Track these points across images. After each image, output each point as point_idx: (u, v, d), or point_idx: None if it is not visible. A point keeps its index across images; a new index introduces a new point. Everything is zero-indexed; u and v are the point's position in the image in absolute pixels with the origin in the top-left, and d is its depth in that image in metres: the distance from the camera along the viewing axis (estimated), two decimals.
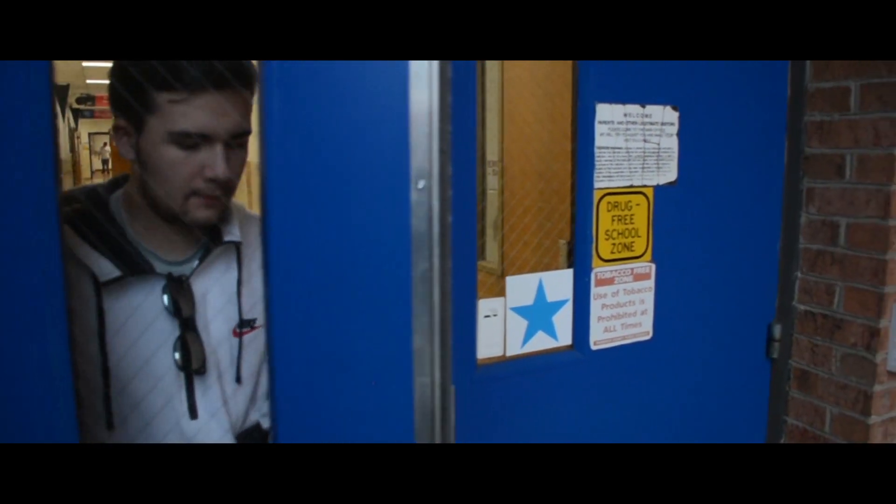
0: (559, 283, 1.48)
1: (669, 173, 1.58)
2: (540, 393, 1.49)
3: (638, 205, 1.54)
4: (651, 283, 1.59)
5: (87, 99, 18.36)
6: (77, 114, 21.65)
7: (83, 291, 1.10)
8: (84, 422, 0.92)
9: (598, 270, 1.51)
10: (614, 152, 1.49)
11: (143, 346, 1.15)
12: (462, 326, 1.36)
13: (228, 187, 1.15)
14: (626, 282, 1.54)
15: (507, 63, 2.88)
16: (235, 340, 1.25)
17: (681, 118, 1.58)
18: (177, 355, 1.17)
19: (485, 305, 1.40)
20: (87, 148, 31.02)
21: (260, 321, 1.27)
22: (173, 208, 1.13)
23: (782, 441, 1.93)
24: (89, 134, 31.38)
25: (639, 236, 1.55)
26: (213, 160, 1.10)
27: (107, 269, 1.11)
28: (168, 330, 1.18)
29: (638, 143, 1.52)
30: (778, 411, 1.91)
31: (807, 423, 1.87)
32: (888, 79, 1.63)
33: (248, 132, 1.15)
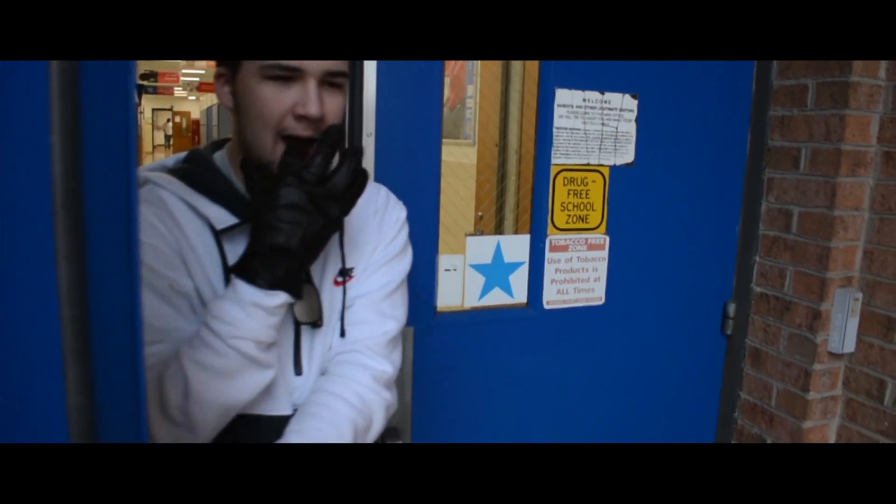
0: (516, 246, 1.69)
1: (626, 155, 1.77)
2: (494, 341, 1.70)
3: (594, 182, 1.73)
4: (605, 253, 1.78)
5: (151, 75, 19.00)
6: (141, 89, 22.41)
7: (206, 241, 1.09)
8: None
9: (553, 238, 1.71)
10: (572, 133, 1.69)
11: None
12: (423, 277, 1.58)
13: (320, 130, 1.06)
14: (580, 250, 1.74)
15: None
16: (338, 290, 1.17)
17: (640, 106, 1.76)
18: (294, 308, 1.11)
19: (445, 260, 1.62)
20: (150, 123, 31.92)
21: (357, 270, 1.19)
22: (264, 156, 1.06)
23: (735, 414, 2.10)
24: (153, 110, 32.29)
25: (594, 210, 1.74)
26: (305, 96, 1.03)
27: (223, 217, 1.08)
28: None
29: (596, 126, 1.71)
30: (732, 385, 2.09)
31: (757, 398, 2.04)
32: (839, 78, 1.79)
33: (344, 73, 1.08)
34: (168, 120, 33.70)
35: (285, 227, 0.98)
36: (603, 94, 1.71)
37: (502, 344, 1.72)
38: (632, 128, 1.76)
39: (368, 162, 1.50)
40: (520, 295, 1.71)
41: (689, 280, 1.94)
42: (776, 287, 1.98)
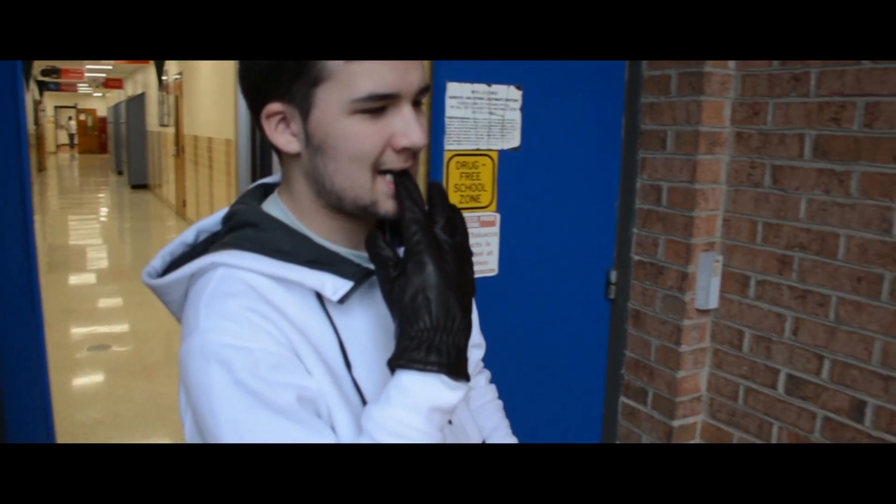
0: None
1: (513, 140, 2.00)
2: None
3: (484, 165, 1.96)
4: (496, 229, 2.01)
5: (53, 71, 18.50)
6: (42, 86, 21.76)
7: (315, 321, 0.91)
8: None
9: None
10: (463, 122, 1.91)
11: (382, 353, 0.95)
12: None
13: (416, 158, 0.94)
14: (473, 227, 1.97)
15: None
16: None
17: (524, 96, 2.00)
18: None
19: None
20: (53, 122, 30.93)
21: None
22: (362, 199, 0.92)
23: (622, 370, 2.37)
24: (55, 107, 31.28)
25: (485, 190, 1.97)
26: (406, 124, 0.90)
27: (334, 284, 0.90)
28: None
29: (484, 115, 1.94)
30: (618, 345, 2.36)
31: (639, 355, 2.32)
32: (696, 69, 2.07)
33: (430, 87, 0.97)
34: (70, 118, 32.66)
35: (440, 299, 0.83)
36: (490, 85, 1.94)
37: None
38: (517, 116, 2.00)
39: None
40: None
41: (575, 251, 2.20)
42: (651, 254, 2.25)
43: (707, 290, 2.15)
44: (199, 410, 0.84)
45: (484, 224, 1.99)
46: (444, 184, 1.91)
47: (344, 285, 0.89)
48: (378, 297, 0.93)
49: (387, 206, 0.92)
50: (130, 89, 19.05)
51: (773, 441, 2.06)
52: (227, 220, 0.99)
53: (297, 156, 0.93)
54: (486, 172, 1.98)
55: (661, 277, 2.23)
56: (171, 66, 11.81)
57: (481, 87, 1.93)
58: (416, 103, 0.91)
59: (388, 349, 0.91)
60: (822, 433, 1.95)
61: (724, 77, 2.09)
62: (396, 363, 0.82)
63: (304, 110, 0.89)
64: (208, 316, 0.85)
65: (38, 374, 1.64)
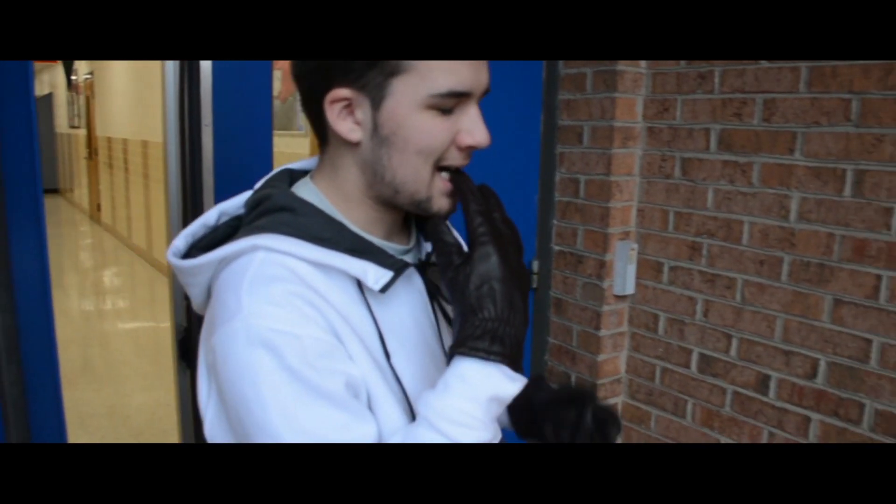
0: None
1: None
2: None
3: None
4: None
5: None
6: None
7: (355, 308, 0.90)
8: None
9: None
10: None
11: (422, 344, 0.98)
12: None
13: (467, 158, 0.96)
14: None
15: None
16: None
17: None
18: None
19: None
20: None
21: None
22: (419, 193, 0.93)
23: (546, 357, 2.48)
24: None
25: None
26: (472, 123, 0.92)
27: (376, 273, 0.89)
28: (433, 321, 1.01)
29: None
30: (541, 332, 2.47)
31: (561, 341, 2.43)
32: (609, 67, 2.19)
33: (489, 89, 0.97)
34: None
35: (504, 291, 0.84)
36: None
37: None
38: None
39: (207, 151, 1.71)
40: None
41: None
42: (570, 244, 2.37)
43: (624, 276, 2.27)
44: (239, 397, 0.82)
45: None
46: None
47: (385, 275, 0.89)
48: (411, 289, 0.97)
49: (440, 203, 0.93)
50: (37, 89, 18.39)
51: (688, 417, 2.20)
52: (256, 203, 0.96)
53: (354, 145, 0.92)
54: None
55: (580, 266, 2.35)
56: (81, 66, 11.49)
57: None
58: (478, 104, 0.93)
59: (422, 341, 0.96)
60: (732, 407, 2.09)
61: (635, 75, 2.21)
62: (458, 350, 0.82)
63: (377, 100, 0.88)
64: (252, 300, 0.82)
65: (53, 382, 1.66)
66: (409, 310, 0.97)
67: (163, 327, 5.97)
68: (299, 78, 0.93)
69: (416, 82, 0.86)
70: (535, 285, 2.41)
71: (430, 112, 0.88)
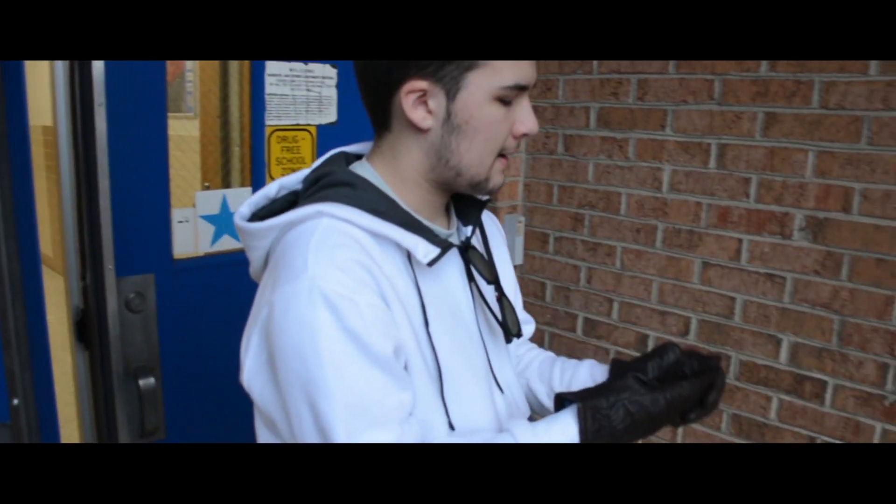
0: (241, 197, 2.00)
1: (330, 116, 2.15)
2: (228, 281, 2.02)
3: (303, 139, 2.09)
4: None
5: None
6: None
7: (404, 279, 0.99)
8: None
9: None
10: (282, 98, 2.03)
11: (452, 323, 1.06)
12: (159, 230, 1.85)
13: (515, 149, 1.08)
14: None
15: None
16: (496, 304, 1.17)
17: (339, 74, 2.14)
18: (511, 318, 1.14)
19: (178, 214, 1.90)
20: None
21: (504, 282, 1.22)
22: (480, 175, 1.03)
23: None
24: None
25: (305, 163, 2.11)
26: (526, 114, 1.02)
27: (426, 248, 0.97)
28: (469, 300, 1.11)
29: (302, 91, 2.07)
30: None
31: None
32: None
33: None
34: None
35: (648, 423, 0.98)
36: (307, 64, 2.07)
37: (235, 282, 2.03)
38: (333, 92, 2.14)
39: (101, 132, 1.72)
40: None
41: None
42: None
43: (513, 248, 2.40)
44: (295, 351, 0.89)
45: None
46: (266, 158, 2.03)
47: (433, 250, 0.98)
48: (452, 268, 1.08)
49: (496, 180, 1.05)
50: None
51: None
52: (316, 179, 1.05)
53: (423, 131, 1.01)
54: (306, 146, 2.11)
55: None
56: None
57: (298, 66, 2.05)
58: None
59: (458, 315, 1.07)
60: None
61: None
62: (575, 398, 0.97)
63: (452, 91, 0.97)
64: (317, 262, 0.90)
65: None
66: (449, 286, 1.07)
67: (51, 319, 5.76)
68: (369, 69, 1.03)
69: (489, 75, 0.96)
70: None
71: (496, 103, 0.98)
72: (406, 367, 0.97)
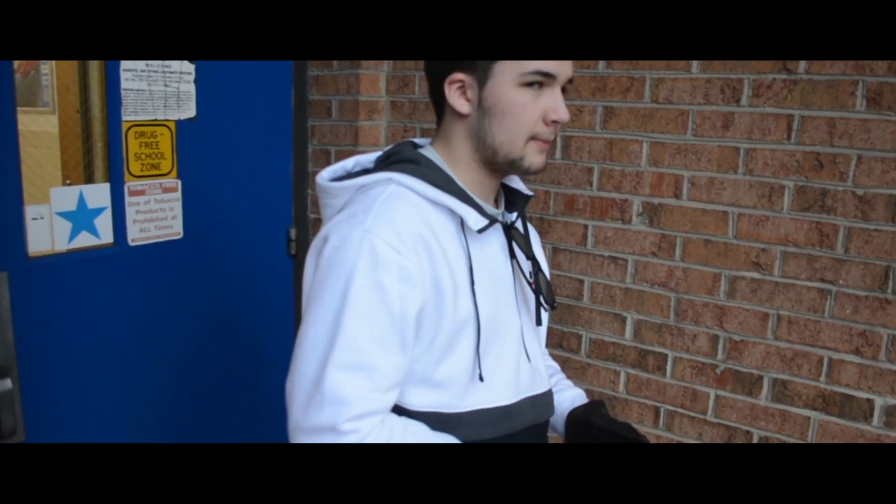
0: (98, 193, 2.02)
1: (189, 111, 2.19)
2: (87, 279, 2.03)
3: (162, 134, 2.13)
4: (178, 194, 2.19)
5: None
6: None
7: (455, 244, 1.20)
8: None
9: (131, 184, 2.08)
10: (139, 93, 2.06)
11: (494, 289, 1.25)
12: (11, 227, 1.85)
13: (556, 134, 1.25)
14: (156, 193, 2.13)
15: None
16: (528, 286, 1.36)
17: (198, 69, 2.19)
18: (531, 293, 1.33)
19: (32, 210, 1.90)
20: None
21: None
22: (513, 154, 1.21)
23: None
24: None
25: (164, 158, 2.14)
26: (556, 103, 1.19)
27: (476, 218, 1.18)
28: (510, 272, 1.31)
29: (160, 87, 2.10)
30: (300, 299, 2.64)
31: None
32: None
33: (573, 79, 1.24)
34: None
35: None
36: (163, 60, 2.10)
37: (95, 280, 2.05)
38: (191, 88, 2.18)
39: None
40: (106, 236, 2.05)
41: (256, 212, 2.44)
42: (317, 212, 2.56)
43: None
44: (329, 281, 1.09)
45: (166, 190, 2.16)
46: (124, 153, 2.05)
47: (483, 220, 1.18)
48: (496, 243, 1.28)
49: (532, 160, 1.23)
50: None
51: None
52: (387, 157, 1.26)
53: (465, 116, 1.22)
54: (165, 142, 2.14)
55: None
56: None
57: (155, 61, 2.08)
58: (563, 89, 1.21)
59: (500, 282, 1.27)
60: None
61: None
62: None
63: (483, 80, 1.18)
64: (378, 218, 1.11)
65: None
66: (494, 257, 1.27)
67: None
68: (427, 67, 1.27)
69: (512, 65, 1.16)
70: (293, 252, 2.58)
71: (523, 89, 1.17)
72: (435, 324, 1.16)
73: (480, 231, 1.18)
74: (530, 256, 1.32)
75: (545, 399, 1.36)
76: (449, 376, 1.19)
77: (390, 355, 1.10)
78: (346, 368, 1.07)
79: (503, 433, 1.26)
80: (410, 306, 1.11)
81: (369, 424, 1.09)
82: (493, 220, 1.20)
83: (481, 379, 1.21)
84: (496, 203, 1.33)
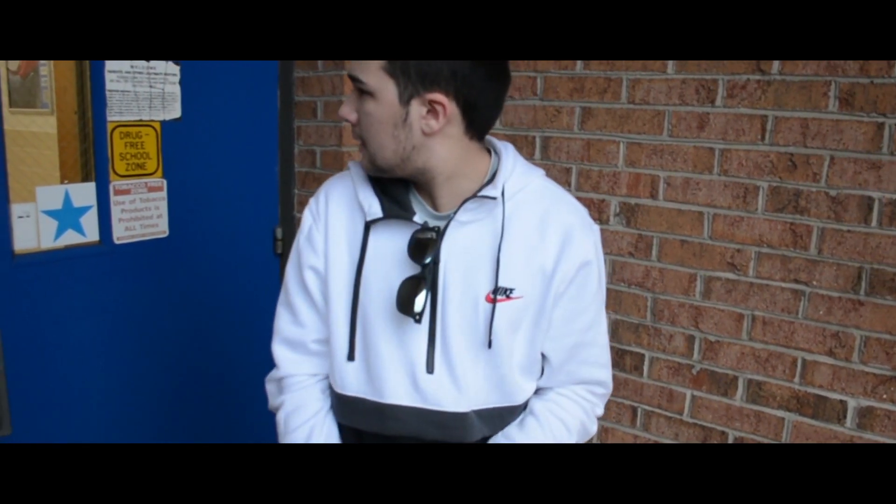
0: (84, 192, 2.09)
1: (174, 112, 2.25)
2: (73, 277, 2.10)
3: (147, 135, 2.20)
4: (164, 193, 2.26)
5: None
6: None
7: (356, 227, 1.32)
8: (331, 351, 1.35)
9: (116, 183, 2.14)
10: (124, 94, 2.12)
11: (387, 285, 1.28)
12: None
13: (357, 134, 1.27)
14: (141, 192, 2.20)
15: None
16: (488, 306, 1.27)
17: (182, 71, 2.25)
18: (418, 300, 1.24)
19: (18, 209, 1.96)
20: None
21: (519, 293, 1.28)
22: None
23: None
24: None
25: (150, 158, 2.21)
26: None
27: (374, 209, 1.28)
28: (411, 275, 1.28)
29: (145, 88, 2.17)
30: None
31: None
32: None
33: (358, 78, 1.20)
34: None
35: None
36: (148, 61, 2.17)
37: (80, 278, 2.12)
38: (176, 89, 2.25)
39: None
40: (92, 234, 2.12)
41: (242, 211, 2.50)
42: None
43: None
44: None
45: (152, 189, 2.23)
46: (109, 153, 2.12)
47: (378, 213, 1.28)
48: (400, 240, 1.28)
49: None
50: None
51: None
52: None
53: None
54: (150, 142, 2.21)
55: None
56: None
57: (140, 63, 2.15)
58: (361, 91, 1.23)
59: (385, 277, 1.30)
60: None
61: None
62: None
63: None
64: (325, 186, 1.40)
65: None
66: (395, 253, 1.28)
67: None
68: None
69: None
70: (279, 251, 2.65)
71: None
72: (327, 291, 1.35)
73: (371, 222, 1.29)
74: (420, 264, 1.25)
75: (439, 418, 1.29)
76: (331, 348, 1.37)
77: (300, 297, 1.38)
78: (281, 304, 1.44)
79: (375, 430, 1.33)
80: (308, 270, 1.36)
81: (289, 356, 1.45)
82: (390, 216, 1.27)
83: (351, 358, 1.34)
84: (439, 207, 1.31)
